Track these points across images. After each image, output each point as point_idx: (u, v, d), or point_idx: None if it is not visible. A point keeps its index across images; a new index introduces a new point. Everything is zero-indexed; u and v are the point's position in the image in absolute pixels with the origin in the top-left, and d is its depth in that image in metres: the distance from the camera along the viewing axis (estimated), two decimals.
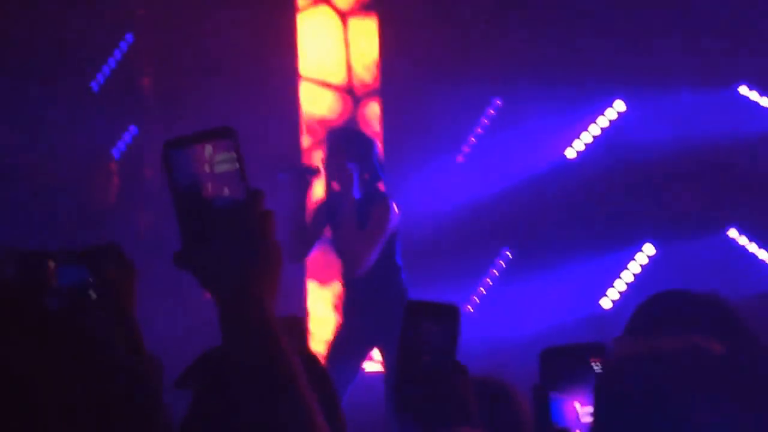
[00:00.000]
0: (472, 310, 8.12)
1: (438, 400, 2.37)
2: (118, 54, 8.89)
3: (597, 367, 2.30)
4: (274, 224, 1.77)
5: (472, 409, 2.40)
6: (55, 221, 7.49)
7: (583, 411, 2.25)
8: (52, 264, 2.24)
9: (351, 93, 8.70)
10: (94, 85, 8.86)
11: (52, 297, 2.19)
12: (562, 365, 2.33)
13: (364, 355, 6.66)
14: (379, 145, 6.78)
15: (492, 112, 8.37)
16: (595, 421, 1.88)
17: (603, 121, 8.20)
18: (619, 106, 8.17)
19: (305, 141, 8.65)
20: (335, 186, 6.54)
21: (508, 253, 8.30)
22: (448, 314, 2.39)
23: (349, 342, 6.62)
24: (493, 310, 8.08)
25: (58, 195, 7.82)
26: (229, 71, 8.51)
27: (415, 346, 2.38)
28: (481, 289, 8.25)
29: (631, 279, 8.06)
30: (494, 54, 8.19)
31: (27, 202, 7.83)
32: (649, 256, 8.08)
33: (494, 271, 8.30)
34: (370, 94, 8.68)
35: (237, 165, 1.77)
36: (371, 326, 6.48)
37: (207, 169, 1.76)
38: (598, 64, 8.00)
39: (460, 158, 8.41)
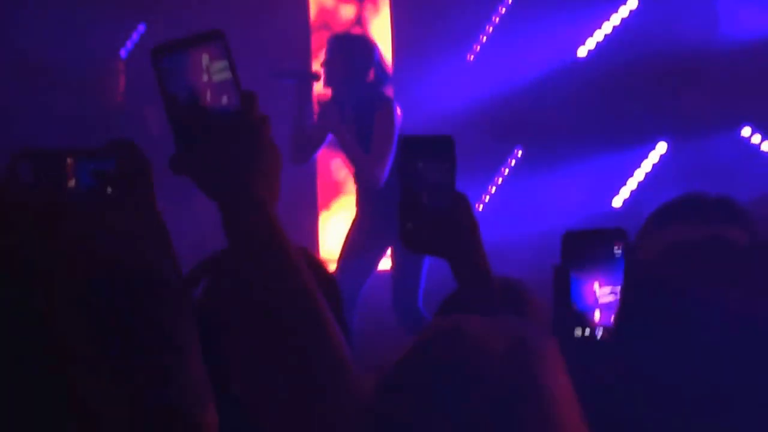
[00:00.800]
0: (482, 207, 8.13)
1: (443, 228, 2.38)
2: None
3: (618, 250, 2.30)
4: (270, 128, 1.76)
5: (477, 235, 2.41)
6: (63, 121, 7.45)
7: (603, 292, 2.27)
8: (69, 161, 2.21)
9: None
10: None
11: (70, 194, 2.17)
12: (583, 247, 2.33)
13: (377, 255, 6.69)
14: (381, 49, 6.77)
15: (503, 9, 8.28)
16: (622, 306, 1.89)
17: (616, 18, 8.11)
18: (633, 3, 8.08)
19: (313, 42, 8.58)
20: (338, 90, 6.54)
21: (519, 151, 8.27)
22: (444, 145, 2.39)
23: (363, 242, 6.66)
24: (505, 208, 8.07)
25: (66, 95, 7.78)
26: None
27: (413, 181, 2.39)
28: (493, 187, 8.23)
29: (643, 177, 8.04)
30: None
31: (34, 103, 7.79)
32: (661, 155, 8.04)
33: (505, 169, 8.27)
34: None
35: (230, 72, 1.75)
36: (382, 226, 6.49)
37: (205, 77, 1.75)
38: None
39: (470, 56, 8.34)
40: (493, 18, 8.29)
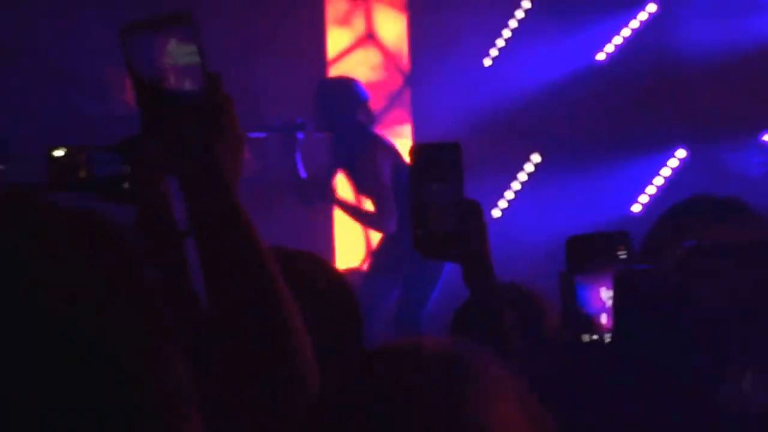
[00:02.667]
0: (500, 213, 8.10)
1: (453, 237, 2.42)
2: None
3: (623, 254, 2.30)
4: (234, 108, 1.78)
5: (486, 241, 2.43)
6: (84, 124, 7.48)
7: (609, 296, 2.27)
8: (82, 156, 2.26)
9: None
10: None
11: (85, 186, 2.21)
12: (587, 252, 2.34)
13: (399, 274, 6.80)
14: (361, 85, 6.88)
15: (520, 13, 8.26)
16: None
17: (635, 23, 8.08)
18: (652, 7, 8.05)
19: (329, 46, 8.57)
20: (330, 135, 6.79)
21: (537, 156, 8.23)
22: (451, 152, 2.47)
23: (389, 259, 6.80)
24: (522, 213, 8.04)
25: (85, 98, 7.81)
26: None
27: (422, 195, 2.42)
28: (510, 192, 8.20)
29: (663, 183, 7.99)
30: None
31: (55, 105, 7.81)
32: (681, 160, 8.00)
33: (523, 174, 8.24)
34: None
35: (198, 58, 1.76)
36: (404, 248, 6.58)
37: (170, 60, 1.77)
38: None
39: (488, 61, 8.31)
40: (511, 22, 8.27)
